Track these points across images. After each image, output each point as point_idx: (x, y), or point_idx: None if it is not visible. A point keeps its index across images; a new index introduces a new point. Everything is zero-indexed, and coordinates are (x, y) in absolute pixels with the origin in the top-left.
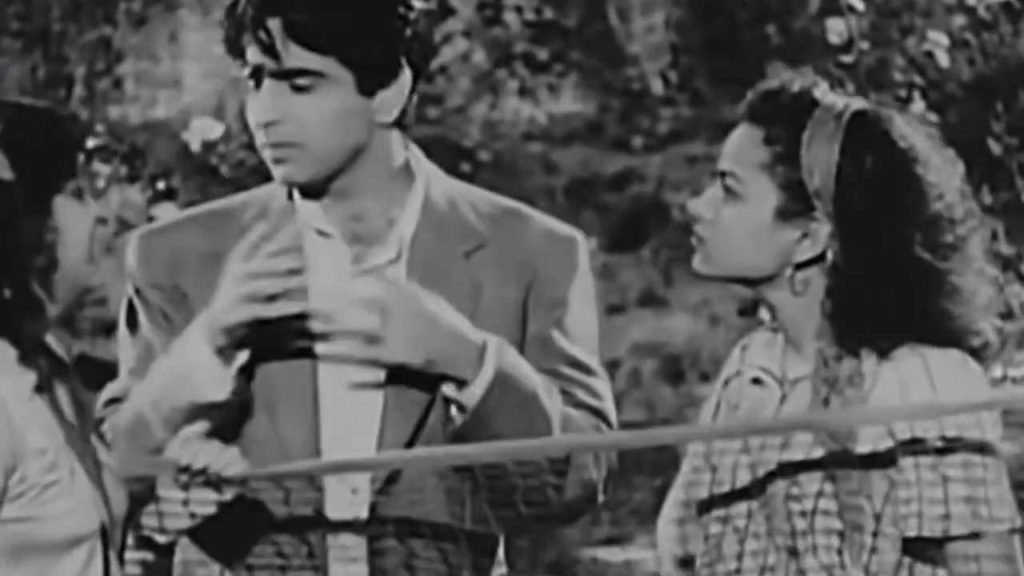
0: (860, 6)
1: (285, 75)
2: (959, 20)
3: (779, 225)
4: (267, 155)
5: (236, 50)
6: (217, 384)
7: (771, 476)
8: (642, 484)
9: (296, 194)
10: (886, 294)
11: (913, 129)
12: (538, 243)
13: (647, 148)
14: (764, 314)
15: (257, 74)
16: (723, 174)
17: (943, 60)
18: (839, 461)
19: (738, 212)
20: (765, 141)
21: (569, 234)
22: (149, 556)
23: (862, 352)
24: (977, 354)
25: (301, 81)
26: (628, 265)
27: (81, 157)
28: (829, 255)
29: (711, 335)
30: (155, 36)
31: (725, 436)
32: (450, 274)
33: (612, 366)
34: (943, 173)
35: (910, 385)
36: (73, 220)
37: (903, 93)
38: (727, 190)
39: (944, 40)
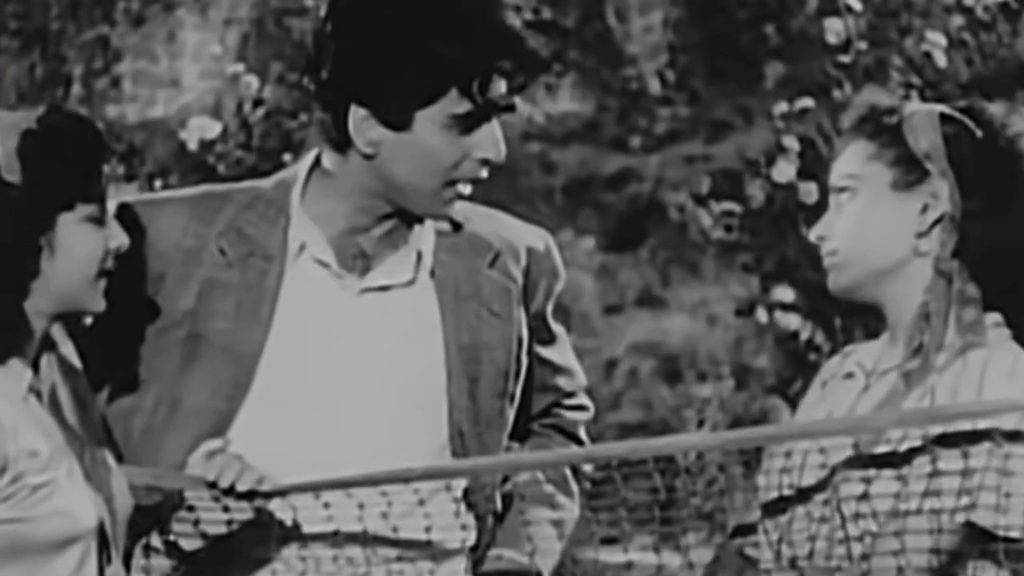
0: (858, 6)
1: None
2: (957, 20)
3: (899, 197)
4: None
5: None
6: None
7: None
8: (640, 484)
9: (295, 215)
10: (1017, 236)
11: None
12: (515, 233)
13: (645, 148)
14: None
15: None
16: (840, 190)
17: (941, 60)
18: (863, 462)
19: (856, 204)
20: (868, 137)
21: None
22: (167, 564)
23: (938, 349)
24: None
25: None
26: (626, 265)
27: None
28: (956, 214)
29: (709, 335)
30: (153, 35)
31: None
32: (483, 287)
33: (610, 366)
34: None
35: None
36: (78, 242)
37: (901, 93)
38: (841, 194)
39: (942, 40)
